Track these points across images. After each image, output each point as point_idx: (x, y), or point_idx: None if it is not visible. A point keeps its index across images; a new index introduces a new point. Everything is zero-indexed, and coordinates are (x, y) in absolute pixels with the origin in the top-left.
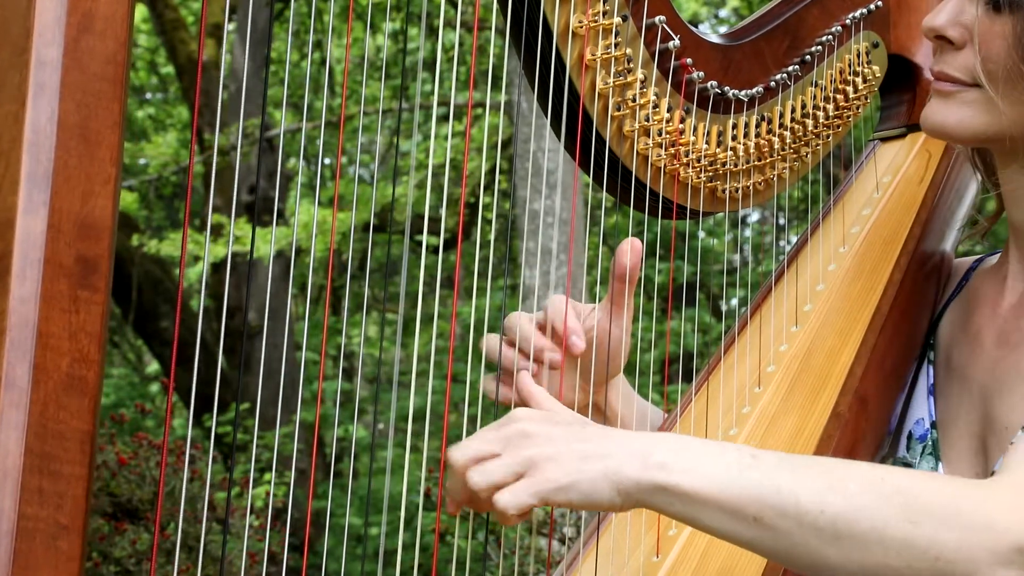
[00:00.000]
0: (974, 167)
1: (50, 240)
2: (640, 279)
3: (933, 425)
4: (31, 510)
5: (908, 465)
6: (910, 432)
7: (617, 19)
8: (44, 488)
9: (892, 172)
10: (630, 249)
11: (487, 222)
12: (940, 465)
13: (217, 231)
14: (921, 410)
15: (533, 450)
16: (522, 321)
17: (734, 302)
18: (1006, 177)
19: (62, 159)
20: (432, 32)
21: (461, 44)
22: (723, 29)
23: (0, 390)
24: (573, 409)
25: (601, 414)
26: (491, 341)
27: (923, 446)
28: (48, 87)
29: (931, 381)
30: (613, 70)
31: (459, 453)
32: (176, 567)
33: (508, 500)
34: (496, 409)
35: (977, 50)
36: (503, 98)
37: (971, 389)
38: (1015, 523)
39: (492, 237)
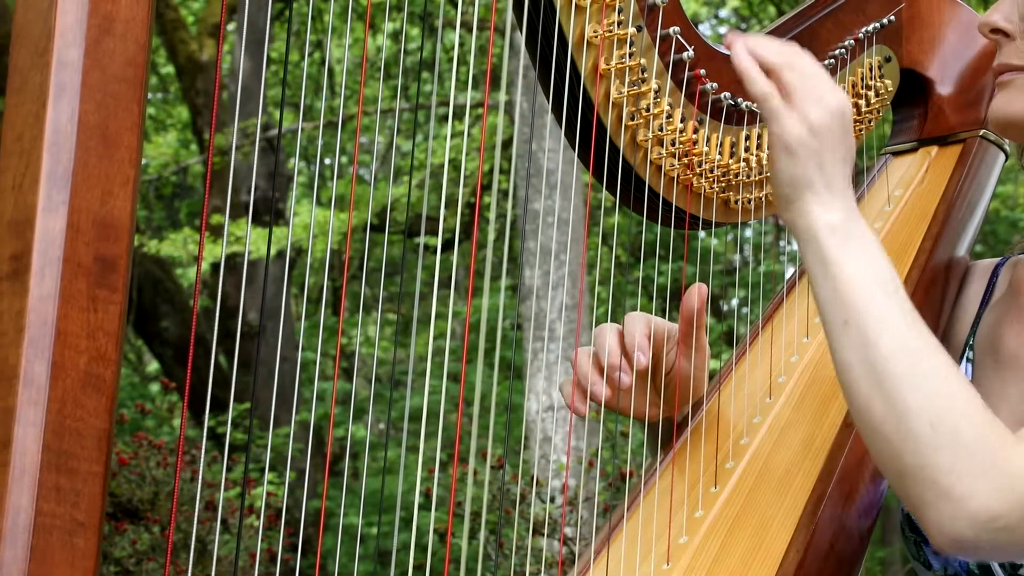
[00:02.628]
0: None
1: (69, 239)
2: (656, 282)
3: None
4: (48, 507)
5: None
6: None
7: (632, 29)
8: (61, 485)
9: (903, 186)
10: (696, 293)
11: (487, 222)
12: None
13: (221, 231)
14: None
15: (815, 92)
16: (610, 336)
17: (735, 302)
18: None
19: (82, 159)
20: (433, 32)
21: (462, 44)
22: (723, 30)
23: (18, 387)
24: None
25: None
26: (581, 356)
27: None
28: (69, 88)
29: (969, 377)
30: (627, 80)
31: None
32: (190, 567)
33: (768, 97)
34: (509, 411)
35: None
36: (503, 98)
37: (1021, 375)
38: (995, 492)
39: (493, 237)
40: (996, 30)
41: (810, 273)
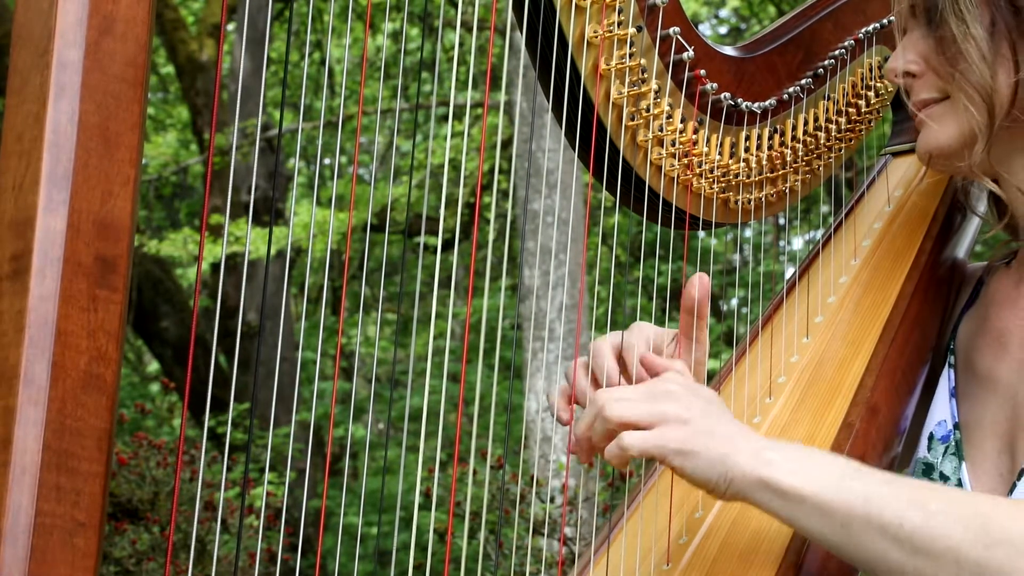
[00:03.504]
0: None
1: (69, 239)
2: (659, 283)
3: (956, 426)
4: (49, 506)
5: (930, 466)
6: (931, 433)
7: (632, 30)
8: (62, 485)
9: (903, 186)
10: (698, 283)
11: (487, 222)
12: (963, 465)
13: (221, 231)
14: (943, 412)
15: (670, 408)
16: (607, 352)
17: (734, 302)
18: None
19: (82, 159)
20: (432, 32)
21: (461, 44)
22: (723, 30)
23: (19, 387)
24: None
25: None
26: (578, 369)
27: (946, 447)
28: (69, 88)
29: (952, 384)
30: (627, 80)
31: (606, 392)
32: (190, 567)
33: (632, 441)
34: (509, 411)
35: (926, 65)
36: (503, 98)
37: (997, 391)
38: None
39: (493, 237)
40: (904, 75)
41: (782, 514)
